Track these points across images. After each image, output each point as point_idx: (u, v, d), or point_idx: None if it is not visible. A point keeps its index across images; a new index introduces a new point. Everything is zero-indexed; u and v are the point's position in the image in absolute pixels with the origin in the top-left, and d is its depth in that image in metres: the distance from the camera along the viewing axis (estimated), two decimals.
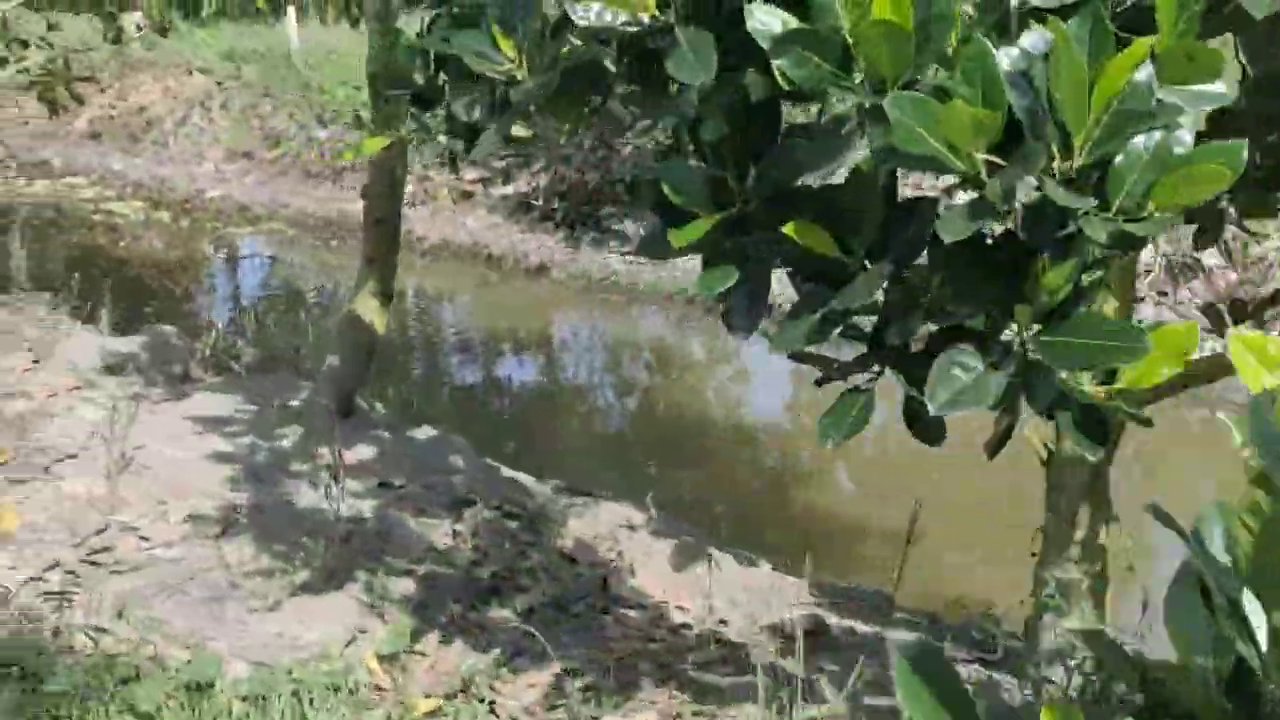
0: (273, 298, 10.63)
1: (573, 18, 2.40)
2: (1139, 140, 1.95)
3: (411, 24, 5.24)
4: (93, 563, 4.61)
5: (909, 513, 4.90)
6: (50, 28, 9.32)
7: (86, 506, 4.94)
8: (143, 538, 4.78)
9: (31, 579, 4.49)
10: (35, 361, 6.64)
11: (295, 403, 6.09)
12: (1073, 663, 3.36)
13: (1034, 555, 3.56)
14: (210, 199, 14.00)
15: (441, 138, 3.93)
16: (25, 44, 8.60)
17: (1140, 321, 3.06)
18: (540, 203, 12.96)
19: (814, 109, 2.45)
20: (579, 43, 2.57)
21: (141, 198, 14.29)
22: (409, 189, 13.05)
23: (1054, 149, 1.96)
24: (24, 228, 12.97)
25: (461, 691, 3.92)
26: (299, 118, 14.72)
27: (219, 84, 16.05)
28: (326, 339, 9.08)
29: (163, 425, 5.66)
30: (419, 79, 3.87)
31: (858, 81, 2.07)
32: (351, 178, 13.86)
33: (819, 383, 2.49)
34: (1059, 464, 3.39)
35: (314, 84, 14.90)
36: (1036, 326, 2.11)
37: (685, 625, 4.41)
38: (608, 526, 5.07)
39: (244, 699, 3.75)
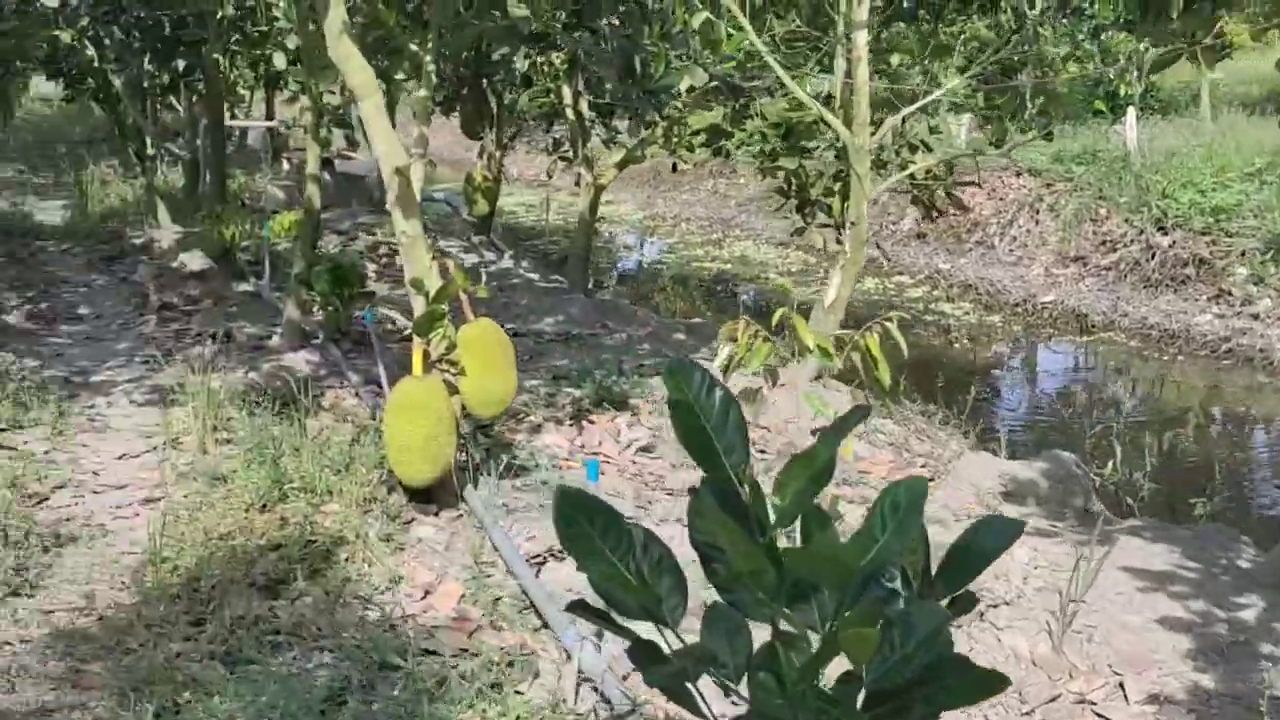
0: (1143, 421, 9.61)
1: None
2: None
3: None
4: None
5: None
6: (932, 131, 9.29)
7: (1032, 668, 4.41)
8: (1099, 715, 4.16)
9: None
10: (931, 479, 6.35)
11: (1244, 564, 5.24)
12: None
13: None
14: (1043, 304, 13.53)
15: None
16: (914, 149, 8.58)
17: None
18: None
19: None
20: None
21: (970, 300, 14.13)
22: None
23: None
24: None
25: None
26: (1136, 222, 13.89)
27: (1048, 186, 15.64)
28: (1236, 481, 8.11)
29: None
30: None
31: None
32: (1197, 288, 12.82)
33: None
34: None
35: (1153, 187, 13.98)
36: None
37: None
38: None
39: None
